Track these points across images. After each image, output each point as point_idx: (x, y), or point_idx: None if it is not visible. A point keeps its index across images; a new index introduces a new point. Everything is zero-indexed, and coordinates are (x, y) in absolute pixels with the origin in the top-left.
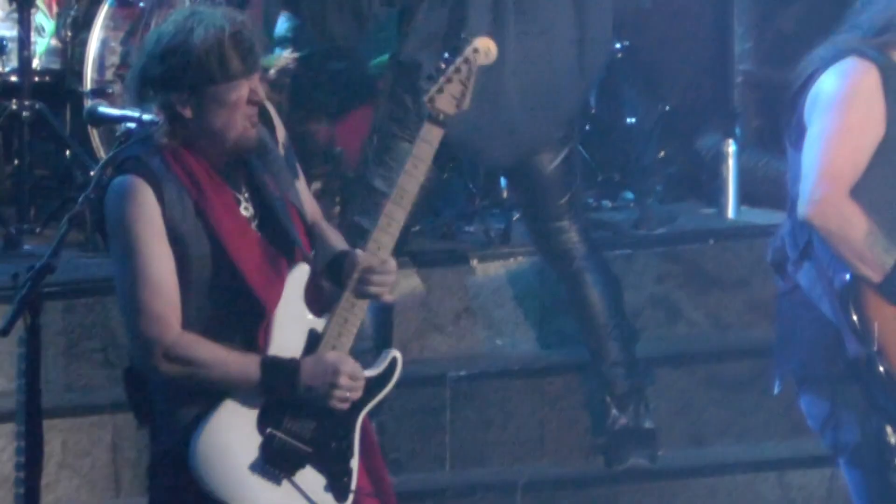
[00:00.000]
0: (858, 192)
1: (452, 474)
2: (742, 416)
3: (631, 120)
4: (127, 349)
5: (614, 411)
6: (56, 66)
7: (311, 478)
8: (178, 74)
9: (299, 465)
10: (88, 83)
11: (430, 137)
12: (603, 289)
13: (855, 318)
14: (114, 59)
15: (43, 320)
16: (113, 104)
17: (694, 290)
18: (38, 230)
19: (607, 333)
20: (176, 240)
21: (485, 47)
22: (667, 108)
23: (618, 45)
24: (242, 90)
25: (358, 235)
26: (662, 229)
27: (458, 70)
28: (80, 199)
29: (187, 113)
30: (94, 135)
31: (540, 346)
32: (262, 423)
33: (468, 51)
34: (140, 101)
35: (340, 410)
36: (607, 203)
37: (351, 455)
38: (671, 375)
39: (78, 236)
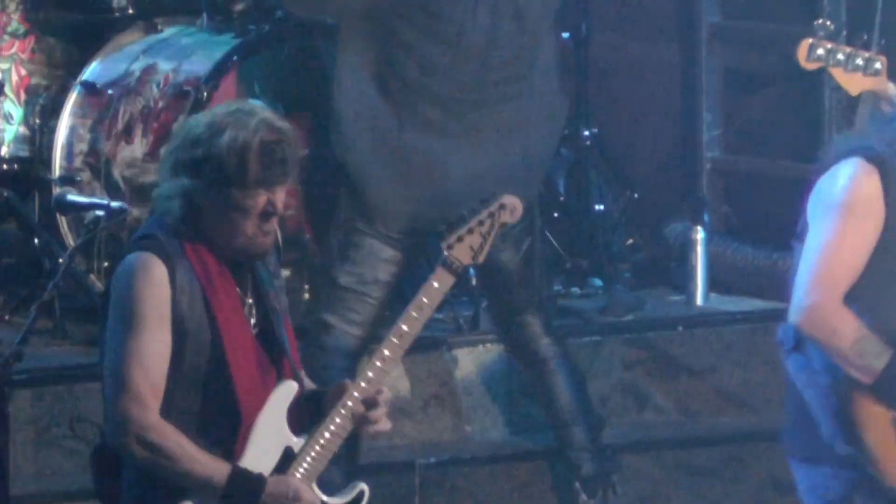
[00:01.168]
0: (855, 293)
1: None
2: (709, 503)
3: (599, 207)
4: (101, 427)
5: (583, 497)
6: (24, 153)
7: None
8: (200, 167)
9: None
10: (57, 170)
11: (441, 283)
12: (567, 378)
13: (844, 420)
14: (82, 147)
15: (11, 408)
16: (81, 192)
17: (662, 377)
18: (6, 318)
19: (572, 420)
20: (179, 325)
21: (511, 204)
22: (635, 195)
23: (586, 133)
24: (259, 199)
25: (322, 330)
26: (630, 316)
27: (481, 223)
28: (49, 287)
29: (203, 205)
30: (63, 222)
31: (509, 432)
32: None
33: (494, 205)
34: (171, 177)
35: None
36: (575, 290)
37: None
38: (639, 462)
39: (46, 324)
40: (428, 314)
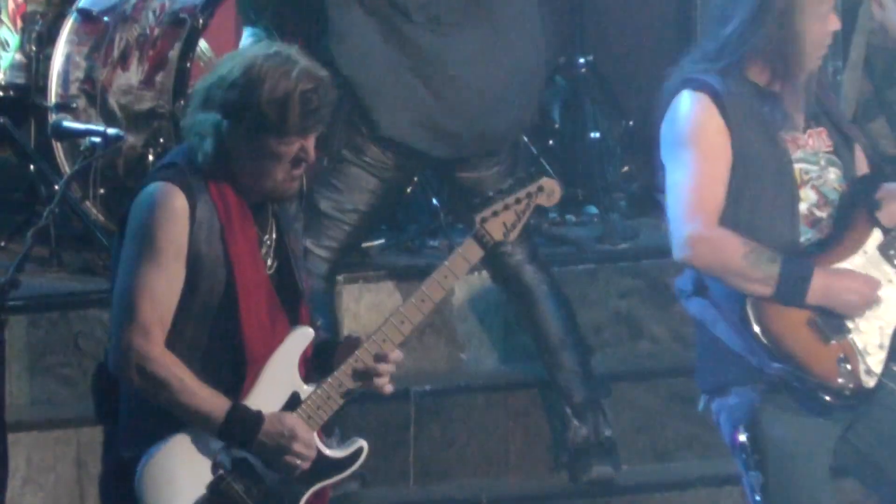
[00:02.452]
0: (727, 221)
1: (416, 489)
2: (705, 432)
3: (594, 135)
4: (105, 347)
5: (575, 422)
6: (20, 80)
7: None
8: (237, 110)
9: None
10: (53, 98)
11: (469, 255)
12: (553, 305)
13: (764, 339)
14: (78, 74)
15: (7, 335)
16: (77, 119)
17: (657, 305)
18: (2, 245)
19: (561, 346)
20: (194, 260)
21: (550, 188)
22: (630, 123)
23: (581, 60)
24: (293, 146)
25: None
26: (626, 244)
27: (517, 201)
28: (45, 214)
29: (235, 147)
30: (59, 149)
31: (503, 361)
32: (216, 464)
33: (533, 186)
34: (202, 110)
35: (291, 479)
36: (571, 218)
37: None
38: (634, 391)
39: (42, 251)
40: (451, 283)
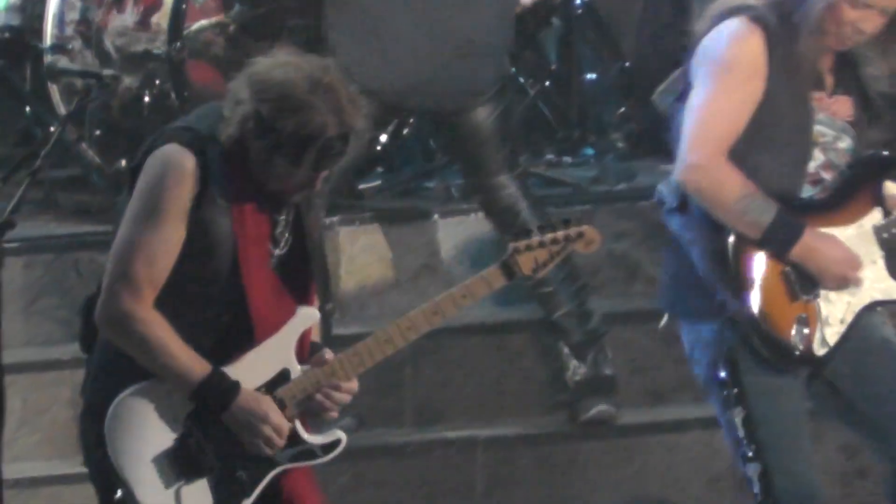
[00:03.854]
0: (738, 153)
1: (413, 430)
2: None
3: (591, 76)
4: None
5: (574, 362)
6: (16, 22)
7: (199, 496)
8: (264, 122)
9: (198, 475)
10: (48, 39)
11: (492, 281)
12: None
13: (735, 275)
14: (73, 16)
15: (2, 277)
16: (72, 60)
17: (653, 247)
18: None
19: (557, 286)
20: (198, 228)
21: (590, 237)
22: (627, 65)
23: (577, 1)
24: (301, 176)
25: None
26: (622, 185)
27: (555, 241)
28: (40, 156)
29: (252, 144)
30: (55, 91)
31: (500, 303)
32: (189, 417)
33: (574, 231)
34: (245, 93)
35: (260, 455)
36: (567, 159)
37: (248, 496)
38: (629, 333)
39: (37, 193)
40: (468, 303)
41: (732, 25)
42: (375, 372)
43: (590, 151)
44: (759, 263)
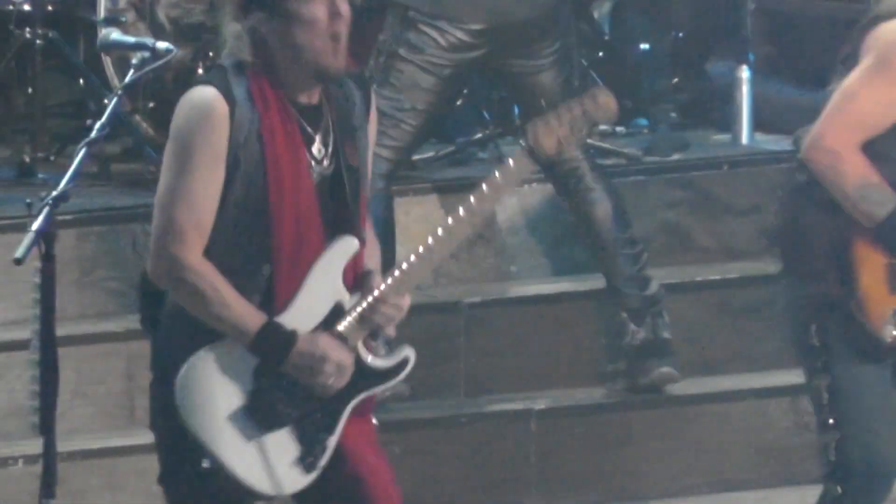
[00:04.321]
0: (874, 141)
1: (466, 401)
2: (753, 344)
3: (644, 47)
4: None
5: (632, 326)
6: None
7: (284, 441)
8: (271, 5)
9: (279, 425)
10: (101, 11)
11: (521, 166)
12: (609, 204)
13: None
14: None
15: (56, 249)
16: (126, 32)
17: (705, 216)
18: (51, 158)
19: (618, 249)
20: (233, 164)
21: (605, 102)
22: (679, 35)
23: None
24: (317, 4)
25: None
26: (675, 156)
27: (571, 113)
28: (95, 128)
29: (269, 35)
30: (108, 63)
31: (553, 273)
32: (258, 371)
33: (588, 100)
34: (233, 19)
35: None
36: (620, 130)
37: (331, 433)
38: (682, 302)
39: (92, 165)
40: (502, 194)
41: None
42: (427, 343)
43: (642, 122)
44: (868, 250)
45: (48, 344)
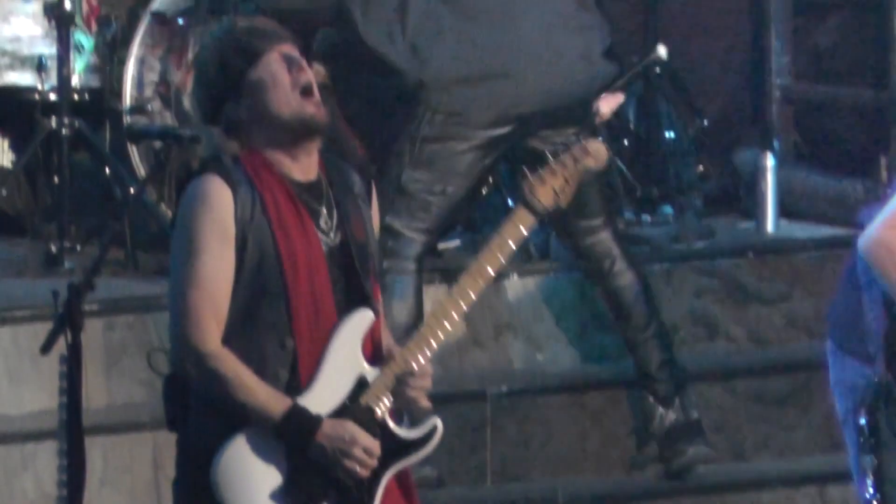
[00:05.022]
0: None
1: (494, 489)
2: (782, 431)
3: (669, 134)
4: (168, 354)
5: (661, 409)
6: (95, 83)
7: None
8: (214, 87)
9: (317, 500)
10: (127, 100)
11: (522, 222)
12: (638, 288)
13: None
14: (152, 77)
15: (83, 338)
16: (152, 121)
17: (733, 304)
18: (78, 248)
19: (648, 333)
20: (242, 242)
21: (595, 149)
22: (705, 123)
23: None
24: (273, 64)
25: (387, 234)
26: (701, 244)
27: (563, 165)
28: (121, 217)
29: (243, 115)
30: (134, 152)
31: (580, 361)
32: (290, 453)
33: (577, 150)
34: (211, 125)
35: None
36: (646, 218)
37: None
38: (711, 391)
39: (118, 254)
40: (508, 252)
41: None
42: (455, 431)
43: (669, 210)
44: None
45: (75, 433)
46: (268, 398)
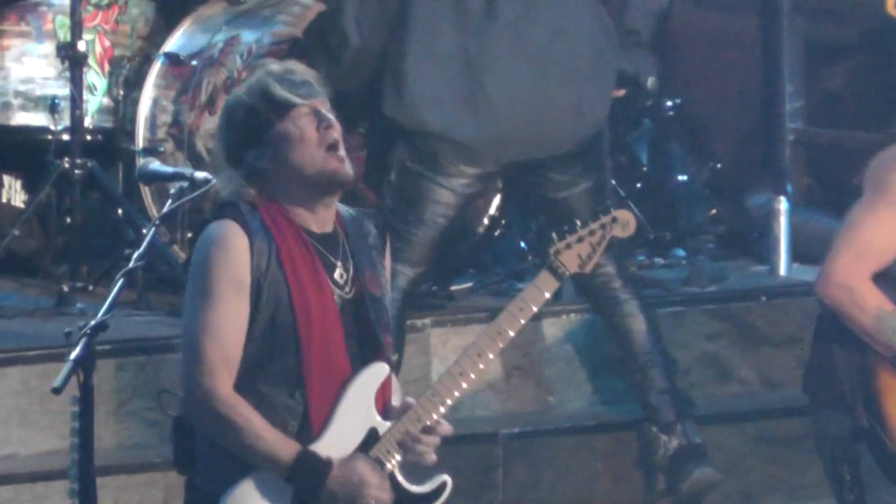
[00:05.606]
0: (888, 270)
1: None
2: (793, 475)
3: (682, 177)
4: (178, 397)
5: (664, 437)
6: (108, 124)
7: None
8: (241, 133)
9: None
10: (140, 141)
11: (545, 286)
12: (642, 318)
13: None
14: (165, 118)
15: (94, 379)
16: (165, 162)
17: (744, 347)
18: (90, 288)
19: (651, 361)
20: (257, 291)
21: (624, 219)
22: (718, 166)
23: (668, 103)
24: (302, 119)
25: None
26: (713, 287)
27: (591, 233)
28: (133, 258)
29: (266, 164)
30: (146, 193)
31: (591, 403)
32: (299, 498)
33: (607, 218)
34: (232, 168)
35: None
36: (658, 260)
37: None
38: (722, 434)
39: (130, 295)
40: (527, 315)
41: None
42: (467, 472)
43: (681, 253)
44: (891, 380)
45: (86, 474)
46: (278, 443)
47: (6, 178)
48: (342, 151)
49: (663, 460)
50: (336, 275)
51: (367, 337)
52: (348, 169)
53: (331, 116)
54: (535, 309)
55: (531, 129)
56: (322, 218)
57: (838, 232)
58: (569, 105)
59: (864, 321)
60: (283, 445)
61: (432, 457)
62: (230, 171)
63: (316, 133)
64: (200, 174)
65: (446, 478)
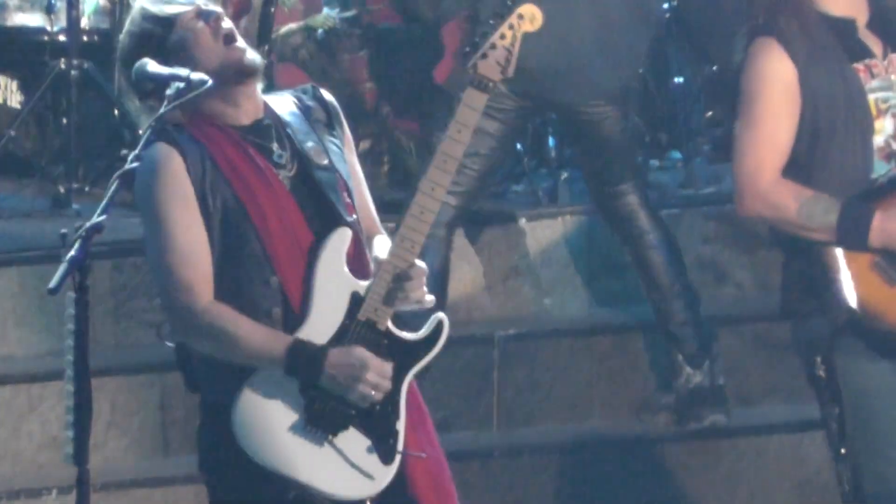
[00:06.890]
0: (804, 159)
1: (500, 434)
2: (789, 377)
3: (678, 80)
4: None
5: (688, 369)
6: (104, 25)
7: (354, 440)
8: (137, 60)
9: (343, 426)
10: None
11: (474, 103)
12: (665, 249)
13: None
14: None
15: (91, 280)
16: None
17: (741, 250)
18: (86, 189)
19: (673, 293)
20: (203, 200)
21: (529, 13)
22: (714, 69)
23: (665, 6)
24: (189, 22)
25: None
26: (710, 189)
27: (502, 36)
28: (130, 158)
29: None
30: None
31: (588, 305)
32: (303, 388)
33: (512, 17)
34: (144, 103)
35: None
36: (655, 163)
37: (396, 417)
38: (718, 336)
39: (126, 196)
40: (467, 136)
41: (755, 47)
42: (462, 375)
43: (677, 155)
44: (853, 262)
45: (82, 375)
46: (268, 339)
47: (2, 79)
48: (240, 41)
49: (682, 389)
50: (275, 157)
51: (324, 206)
52: (251, 55)
53: (215, 8)
54: (471, 129)
55: (581, 73)
56: (247, 109)
57: (733, 155)
58: (622, 54)
59: (792, 217)
60: (274, 341)
61: (428, 297)
62: (135, 101)
63: (208, 28)
64: (197, 75)
65: (441, 316)
